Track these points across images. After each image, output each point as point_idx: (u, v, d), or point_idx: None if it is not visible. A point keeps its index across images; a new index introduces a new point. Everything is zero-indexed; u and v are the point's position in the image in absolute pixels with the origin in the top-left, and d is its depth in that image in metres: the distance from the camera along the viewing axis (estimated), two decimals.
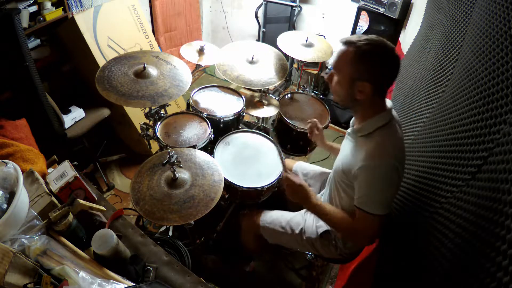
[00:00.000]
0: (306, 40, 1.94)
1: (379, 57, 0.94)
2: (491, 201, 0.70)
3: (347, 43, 0.97)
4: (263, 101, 1.87)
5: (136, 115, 2.29)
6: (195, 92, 1.83)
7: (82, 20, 1.98)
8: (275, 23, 3.10)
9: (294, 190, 1.11)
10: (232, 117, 1.73)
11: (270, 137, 1.66)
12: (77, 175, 1.07)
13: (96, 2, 2.13)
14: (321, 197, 1.41)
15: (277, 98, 1.93)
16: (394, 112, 1.08)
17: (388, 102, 1.06)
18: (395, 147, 1.00)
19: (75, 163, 1.40)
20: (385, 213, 1.00)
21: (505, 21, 0.83)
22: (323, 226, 1.30)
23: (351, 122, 1.22)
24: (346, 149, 1.13)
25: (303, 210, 1.42)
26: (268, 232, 1.40)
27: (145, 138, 1.70)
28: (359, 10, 2.64)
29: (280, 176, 1.47)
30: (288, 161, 1.69)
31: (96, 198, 1.16)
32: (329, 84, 1.07)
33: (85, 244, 0.96)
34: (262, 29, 3.16)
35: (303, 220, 1.37)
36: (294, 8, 2.96)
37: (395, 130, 1.04)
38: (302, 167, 1.63)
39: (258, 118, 2.00)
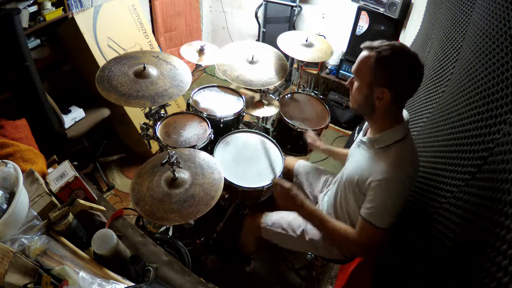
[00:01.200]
0: (306, 40, 1.94)
1: (400, 63, 0.91)
2: (491, 201, 0.71)
3: (368, 48, 0.94)
4: (263, 101, 1.87)
5: (136, 115, 2.29)
6: (195, 92, 1.83)
7: (82, 20, 1.98)
8: (275, 23, 3.10)
9: (284, 196, 1.10)
10: (232, 117, 1.73)
11: (270, 137, 1.66)
12: (77, 175, 1.07)
13: (96, 2, 2.13)
14: (324, 197, 1.41)
15: (277, 98, 1.93)
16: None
17: (405, 114, 1.04)
18: (412, 162, 0.98)
19: (75, 163, 1.40)
20: (389, 227, 0.98)
21: (505, 21, 0.83)
22: None
23: (363, 128, 1.18)
24: (361, 159, 1.09)
25: None
26: (270, 234, 1.40)
27: (145, 138, 1.70)
28: (359, 10, 2.64)
29: (279, 176, 1.48)
30: (289, 160, 1.69)
31: (96, 198, 1.16)
32: (349, 90, 1.04)
33: (85, 244, 0.96)
34: (262, 29, 3.16)
35: (304, 222, 1.36)
36: (294, 8, 2.96)
37: (412, 144, 1.02)
38: (303, 166, 1.63)
39: (258, 118, 2.00)
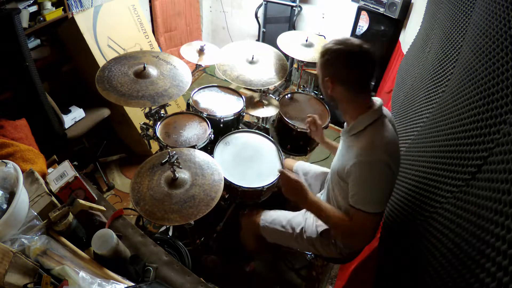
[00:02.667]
0: (306, 40, 1.94)
1: (331, 54, 1.00)
2: (491, 201, 0.70)
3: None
4: (263, 101, 1.87)
5: (136, 115, 2.29)
6: (195, 92, 1.83)
7: (82, 20, 1.98)
8: (275, 23, 3.10)
9: (291, 186, 1.11)
10: (232, 117, 1.73)
11: (270, 137, 1.66)
12: (77, 175, 1.07)
13: (96, 2, 2.13)
14: (321, 197, 1.41)
15: (277, 98, 1.93)
16: (386, 111, 1.10)
17: (378, 100, 1.09)
18: (386, 143, 1.01)
19: (75, 163, 1.40)
20: (379, 211, 1.01)
21: (505, 21, 0.83)
22: (323, 225, 1.30)
23: (344, 124, 1.23)
24: (340, 150, 1.17)
25: (304, 210, 1.42)
26: (268, 231, 1.40)
27: (145, 138, 1.70)
28: (359, 10, 2.64)
29: (279, 176, 1.48)
30: (289, 161, 1.69)
31: (96, 198, 1.16)
32: None
33: (85, 244, 0.96)
34: (262, 29, 3.16)
35: (304, 220, 1.37)
36: (294, 8, 2.96)
37: (386, 127, 1.05)
38: (302, 166, 1.63)
39: (258, 118, 2.00)
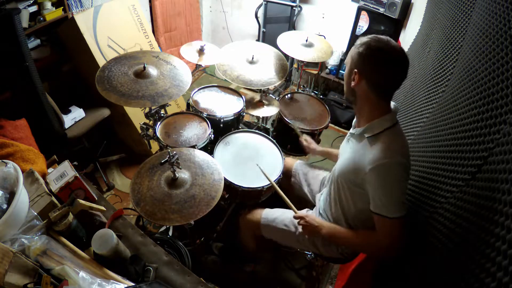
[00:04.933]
0: (306, 40, 1.94)
1: (371, 50, 0.96)
2: (491, 201, 0.71)
3: (358, 39, 1.03)
4: (263, 101, 1.87)
5: (136, 115, 2.29)
6: (195, 92, 1.83)
7: (82, 20, 1.98)
8: (275, 23, 3.10)
9: (307, 229, 1.20)
10: (232, 117, 1.73)
11: (271, 138, 1.66)
12: (77, 175, 1.07)
13: (96, 2, 2.13)
14: (321, 197, 1.41)
15: (277, 98, 1.93)
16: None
17: (393, 105, 1.06)
18: (402, 147, 1.01)
19: (75, 163, 1.40)
20: (403, 214, 0.98)
21: (505, 21, 0.83)
22: None
23: (353, 124, 1.21)
24: (352, 152, 1.11)
25: (305, 210, 1.42)
26: (269, 230, 1.39)
27: (145, 138, 1.70)
28: (359, 10, 2.64)
29: (279, 176, 1.48)
30: (288, 160, 1.69)
31: (96, 198, 1.16)
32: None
33: (85, 244, 0.96)
34: (262, 29, 3.16)
35: None
36: (294, 8, 2.96)
37: (401, 135, 1.04)
38: (302, 166, 1.63)
39: (258, 118, 2.00)
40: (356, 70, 0.99)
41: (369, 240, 1.08)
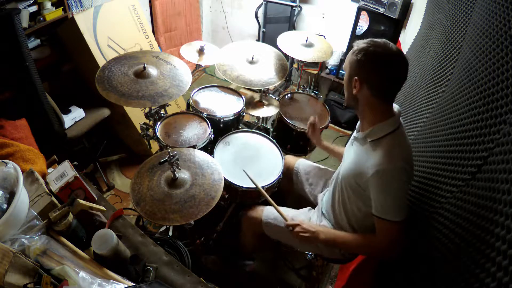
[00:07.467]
0: (306, 40, 1.94)
1: (369, 56, 0.95)
2: (491, 201, 0.70)
3: (355, 44, 1.02)
4: (263, 101, 1.87)
5: (136, 115, 2.29)
6: (195, 92, 1.83)
7: (82, 20, 1.98)
8: (275, 23, 3.10)
9: (303, 239, 1.17)
10: (232, 117, 1.73)
11: (271, 138, 1.66)
12: (77, 175, 1.07)
13: (96, 2, 2.13)
14: (323, 197, 1.41)
15: (277, 98, 1.93)
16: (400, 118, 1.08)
17: (396, 108, 1.06)
18: (405, 151, 1.01)
19: (75, 163, 1.40)
20: (403, 218, 0.99)
21: (505, 21, 0.83)
22: (326, 226, 1.30)
23: (357, 127, 1.20)
24: (355, 155, 1.11)
25: (307, 208, 1.42)
26: (271, 228, 1.39)
27: (145, 138, 1.70)
28: (359, 10, 2.64)
29: (279, 176, 1.48)
30: (289, 158, 1.68)
31: (96, 198, 1.16)
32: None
33: (85, 244, 0.96)
34: (262, 29, 3.16)
35: (307, 219, 1.36)
36: (294, 8, 2.96)
37: (403, 138, 1.04)
38: (303, 165, 1.61)
39: (258, 118, 2.00)
40: (356, 77, 0.99)
41: (368, 243, 1.09)
